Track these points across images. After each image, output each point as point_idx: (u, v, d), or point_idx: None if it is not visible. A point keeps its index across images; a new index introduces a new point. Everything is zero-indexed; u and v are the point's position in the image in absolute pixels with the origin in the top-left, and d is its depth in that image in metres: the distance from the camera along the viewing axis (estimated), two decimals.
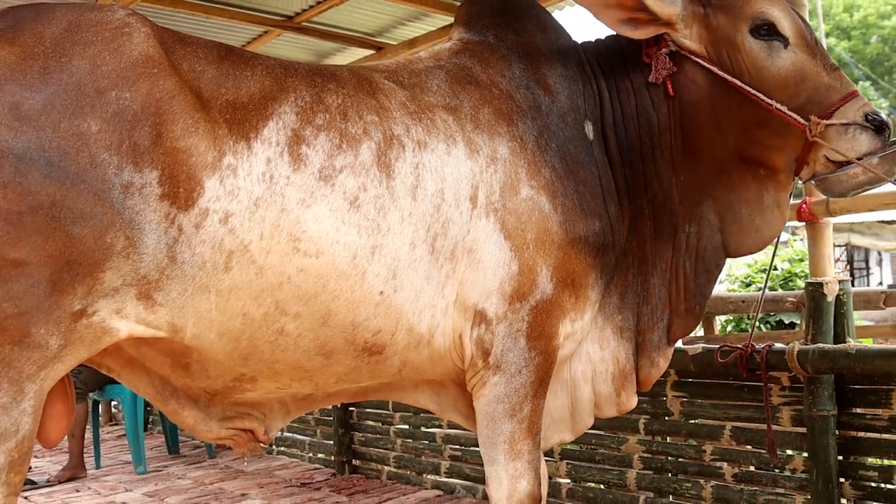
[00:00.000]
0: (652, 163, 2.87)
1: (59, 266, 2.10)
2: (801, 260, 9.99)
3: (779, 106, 2.67)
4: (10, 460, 2.11)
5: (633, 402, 3.02)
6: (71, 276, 2.12)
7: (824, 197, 4.52)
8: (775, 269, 9.66)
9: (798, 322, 8.36)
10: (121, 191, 2.15)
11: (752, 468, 4.08)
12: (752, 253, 3.02)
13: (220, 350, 2.41)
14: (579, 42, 3.04)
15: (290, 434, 7.40)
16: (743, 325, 9.11)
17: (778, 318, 8.77)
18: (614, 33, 2.86)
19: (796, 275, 9.94)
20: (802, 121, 2.66)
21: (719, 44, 2.76)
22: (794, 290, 9.46)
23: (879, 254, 19.46)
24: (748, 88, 2.70)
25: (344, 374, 2.61)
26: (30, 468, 6.93)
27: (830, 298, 3.75)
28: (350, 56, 7.73)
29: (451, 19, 6.78)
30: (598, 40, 3.06)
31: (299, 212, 2.33)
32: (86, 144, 2.12)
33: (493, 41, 2.91)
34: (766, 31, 2.72)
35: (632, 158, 2.87)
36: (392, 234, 2.45)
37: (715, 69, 2.74)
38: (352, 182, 2.41)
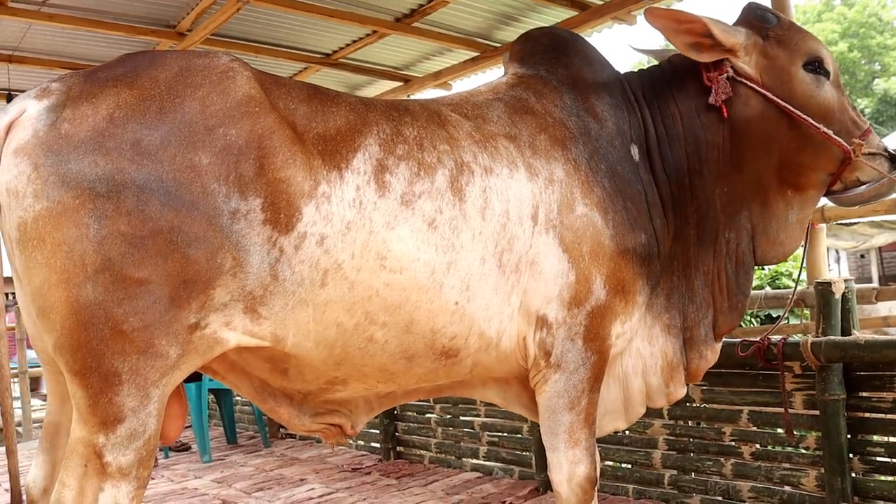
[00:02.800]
0: (698, 177, 2.91)
1: (177, 284, 2.14)
2: (785, 262, 10.01)
3: (826, 129, 2.78)
4: (139, 457, 2.15)
5: (681, 391, 3.04)
6: (187, 293, 2.16)
7: (820, 205, 4.56)
8: (762, 268, 9.70)
9: (787, 317, 8.39)
10: (229, 217, 2.19)
11: (768, 447, 4.10)
12: (774, 263, 3.06)
13: (317, 357, 2.44)
14: (623, 73, 3.08)
15: None
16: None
17: (766, 313, 8.79)
18: (657, 64, 2.92)
19: (782, 274, 9.96)
20: (847, 145, 2.79)
21: (775, 72, 2.83)
22: (780, 288, 9.49)
23: (837, 252, 19.57)
24: (799, 113, 2.78)
25: (423, 375, 2.65)
26: None
27: (838, 296, 3.78)
28: (380, 87, 7.79)
29: (471, 53, 6.85)
30: (640, 71, 3.10)
31: (385, 233, 2.37)
32: (198, 176, 2.16)
33: (545, 74, 2.94)
34: (816, 66, 2.83)
35: (678, 175, 2.90)
36: (465, 251, 2.48)
37: (771, 95, 2.80)
38: (429, 206, 2.44)
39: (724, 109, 2.83)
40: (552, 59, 2.99)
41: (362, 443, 6.99)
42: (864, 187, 2.88)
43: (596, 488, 2.75)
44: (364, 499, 5.26)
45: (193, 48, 6.15)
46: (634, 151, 2.86)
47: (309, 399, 2.72)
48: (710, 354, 3.03)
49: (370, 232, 2.35)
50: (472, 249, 2.50)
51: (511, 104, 2.82)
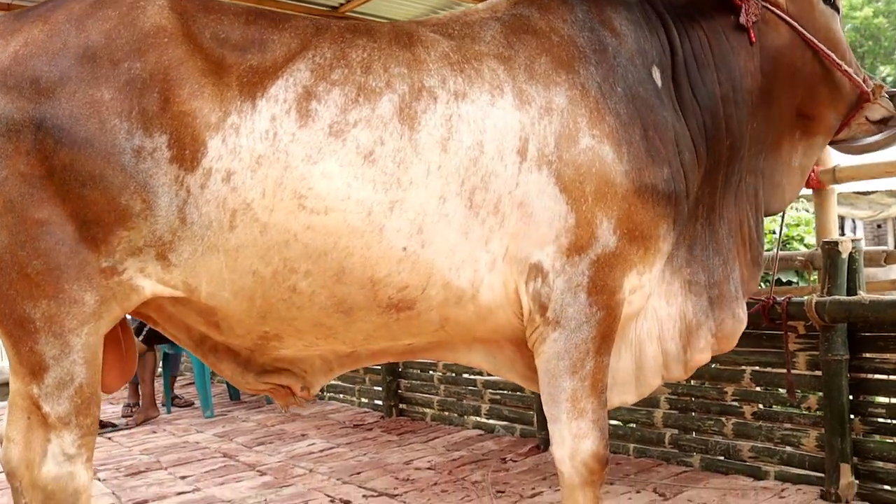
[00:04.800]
0: (733, 107, 2.67)
1: (78, 225, 2.11)
2: (797, 225, 10.01)
3: (846, 67, 2.68)
4: (74, 406, 2.15)
5: (702, 358, 2.78)
6: (92, 235, 2.13)
7: (831, 166, 4.54)
8: (773, 232, 9.67)
9: (794, 280, 8.39)
10: (133, 155, 2.12)
11: (769, 407, 4.14)
12: (772, 213, 2.94)
13: (238, 309, 2.31)
14: None
15: (340, 382, 7.48)
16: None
17: (776, 277, 8.78)
18: None
19: (793, 238, 9.95)
20: (865, 86, 2.69)
21: (800, 2, 2.73)
22: (790, 251, 9.47)
23: (854, 221, 19.48)
24: (824, 48, 2.68)
25: (373, 331, 2.44)
26: (108, 423, 7.03)
27: (844, 255, 3.78)
28: None
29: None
30: None
31: (305, 168, 2.18)
32: (97, 112, 2.10)
33: None
34: (832, 1, 2.73)
35: (711, 103, 2.64)
36: (415, 189, 2.23)
37: (797, 25, 2.69)
38: (366, 136, 2.21)
39: (753, 34, 2.67)
40: None
41: (365, 400, 7.05)
42: (879, 136, 2.80)
43: (605, 468, 2.50)
44: (364, 453, 5.32)
45: None
46: (657, 75, 2.57)
47: (256, 356, 2.58)
48: (743, 314, 2.81)
49: (286, 167, 2.17)
50: (427, 186, 2.24)
51: (510, 23, 2.53)
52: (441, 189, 2.26)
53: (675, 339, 2.72)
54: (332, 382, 7.59)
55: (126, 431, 6.78)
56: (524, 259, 2.37)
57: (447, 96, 2.31)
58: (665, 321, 2.70)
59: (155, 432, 6.66)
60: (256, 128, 2.18)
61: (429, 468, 4.82)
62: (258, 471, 5.03)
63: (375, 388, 6.87)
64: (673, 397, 4.51)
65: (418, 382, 6.41)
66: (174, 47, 2.18)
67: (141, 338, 6.96)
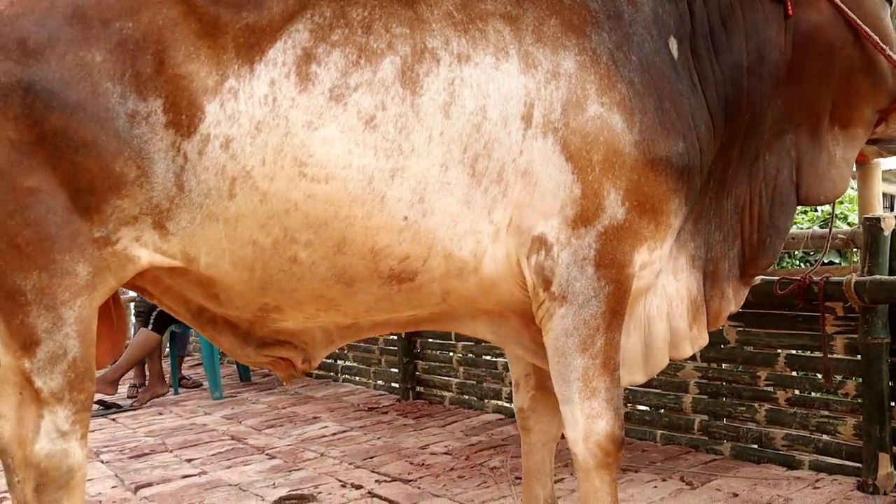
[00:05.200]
0: (757, 80, 2.64)
1: (70, 194, 2.11)
2: (840, 202, 9.90)
3: (890, 53, 2.62)
4: (68, 380, 2.16)
5: (705, 337, 2.81)
6: (85, 204, 2.12)
7: None
8: (814, 209, 9.59)
9: (836, 261, 8.32)
10: (127, 120, 2.11)
11: (805, 393, 4.12)
12: (818, 203, 2.88)
13: (238, 280, 2.33)
14: None
15: (354, 363, 7.52)
16: (783, 263, 9.06)
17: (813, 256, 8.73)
18: None
19: (836, 216, 9.86)
20: None
21: None
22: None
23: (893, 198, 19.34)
24: (870, 31, 2.63)
25: (374, 302, 2.45)
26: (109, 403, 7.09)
27: (887, 233, 3.74)
28: None
29: None
30: None
31: (305, 135, 2.18)
32: (89, 74, 2.08)
33: None
34: None
35: (735, 74, 2.62)
36: (417, 156, 2.24)
37: (841, 3, 2.64)
38: (368, 100, 2.21)
39: (790, 6, 2.63)
40: None
41: (381, 382, 7.10)
42: None
43: (621, 450, 2.50)
44: (378, 437, 5.36)
45: None
46: (674, 46, 2.56)
47: (256, 328, 2.59)
48: (734, 296, 2.81)
49: (286, 133, 2.17)
50: (429, 154, 2.25)
51: None
52: (443, 156, 2.26)
53: (682, 315, 2.73)
54: (347, 364, 7.64)
55: (131, 413, 6.87)
56: (527, 231, 2.38)
57: (450, 59, 2.30)
58: (673, 298, 2.71)
59: (161, 414, 6.74)
60: (255, 92, 2.17)
61: (445, 453, 4.85)
62: (267, 454, 5.09)
63: (391, 369, 6.92)
64: (703, 382, 4.50)
65: (436, 364, 6.43)
66: (168, 6, 2.17)
67: (151, 325, 7.04)
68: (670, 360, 2.79)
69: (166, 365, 8.10)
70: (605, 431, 2.43)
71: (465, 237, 2.33)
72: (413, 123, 2.24)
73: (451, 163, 2.27)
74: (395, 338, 6.70)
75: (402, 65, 2.25)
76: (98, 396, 6.85)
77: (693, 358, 4.50)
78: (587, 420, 2.44)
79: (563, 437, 4.36)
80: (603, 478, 2.47)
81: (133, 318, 8.19)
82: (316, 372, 8.11)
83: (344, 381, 7.61)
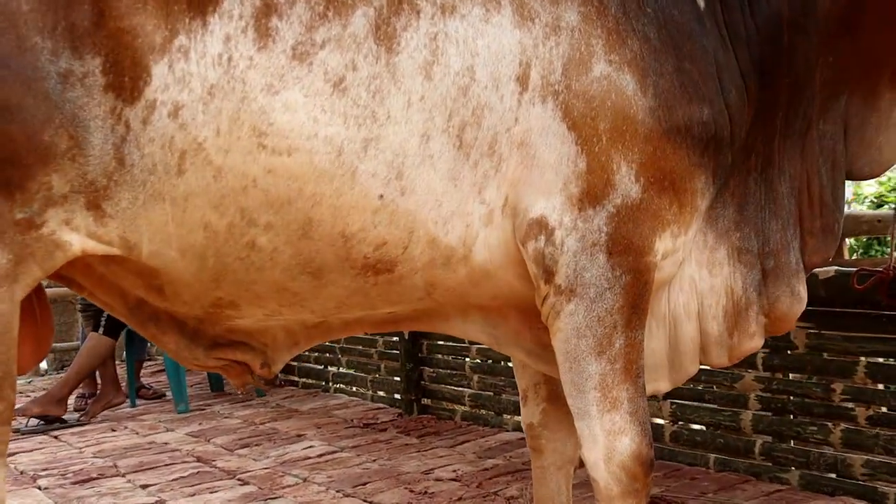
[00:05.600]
0: (802, 36, 2.64)
1: None
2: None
3: None
4: None
5: (751, 345, 2.81)
6: (4, 179, 2.15)
7: None
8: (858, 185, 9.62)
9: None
10: (59, 80, 2.14)
11: (890, 410, 4.12)
12: (862, 178, 2.93)
13: (186, 270, 2.36)
14: None
15: (348, 370, 7.57)
16: (872, 251, 9.07)
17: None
18: None
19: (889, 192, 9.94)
20: None
21: None
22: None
23: None
24: None
25: (346, 297, 2.50)
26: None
27: None
28: None
29: None
30: None
31: (264, 100, 2.21)
32: (13, 26, 2.10)
33: None
34: None
35: (772, 29, 2.61)
36: (393, 124, 2.27)
37: None
38: (336, 59, 2.24)
39: None
40: None
41: (382, 393, 7.16)
42: None
43: (651, 474, 2.49)
44: (374, 459, 5.42)
45: None
46: None
47: (206, 326, 2.63)
48: (804, 292, 2.78)
49: (242, 99, 2.20)
50: (407, 122, 2.28)
51: None
52: (424, 125, 2.29)
53: (717, 317, 2.73)
54: (340, 371, 7.69)
55: (78, 429, 6.94)
56: (525, 213, 2.40)
57: (432, 10, 2.31)
58: (706, 295, 2.71)
59: (114, 430, 6.82)
60: (208, 51, 2.20)
61: (453, 479, 4.89)
62: (239, 479, 5.15)
63: (393, 378, 6.96)
64: (766, 395, 4.52)
65: (446, 372, 6.49)
66: None
67: (102, 328, 7.08)
68: (703, 366, 2.82)
69: (122, 371, 8.17)
70: (630, 451, 2.43)
71: (452, 220, 2.36)
72: (389, 86, 2.26)
73: (434, 132, 2.30)
74: (397, 338, 6.74)
75: (377, 17, 2.27)
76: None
77: (753, 366, 4.52)
78: (608, 437, 2.44)
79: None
80: None
81: (80, 319, 8.26)
82: (303, 380, 8.18)
83: (336, 391, 7.66)
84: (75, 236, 2.25)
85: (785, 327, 2.83)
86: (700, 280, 2.69)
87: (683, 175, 2.44)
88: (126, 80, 2.16)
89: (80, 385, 7.68)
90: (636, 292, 2.44)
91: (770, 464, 4.49)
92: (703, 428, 4.82)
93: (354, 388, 7.50)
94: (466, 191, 2.35)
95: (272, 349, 2.72)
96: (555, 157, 2.36)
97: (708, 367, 4.66)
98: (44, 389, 8.54)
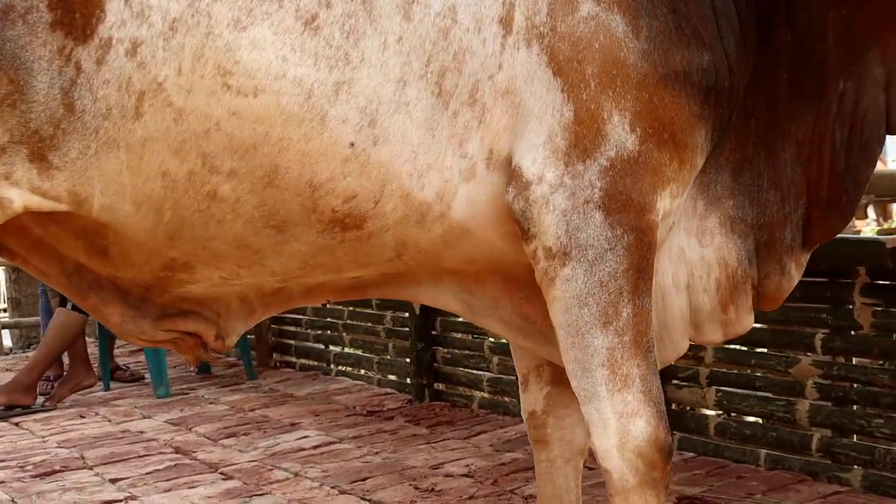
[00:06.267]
0: None
1: None
2: None
3: None
4: None
5: (746, 322, 2.86)
6: None
7: None
8: None
9: None
10: None
11: None
12: None
13: (140, 226, 2.42)
14: None
15: (352, 350, 7.59)
16: None
17: None
18: None
19: None
20: None
21: None
22: None
23: None
24: None
25: (310, 256, 2.56)
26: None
27: None
28: None
29: None
30: None
31: (230, 36, 2.28)
32: None
33: None
34: None
35: None
36: (368, 67, 2.34)
37: None
38: None
39: None
40: None
41: (393, 377, 7.18)
42: None
43: (670, 462, 2.52)
44: (376, 452, 5.45)
45: None
46: None
47: (154, 294, 2.69)
48: (795, 270, 2.87)
49: (207, 34, 2.27)
50: (383, 65, 2.36)
51: None
52: (400, 69, 2.35)
53: (709, 290, 2.78)
54: (343, 352, 7.71)
55: (43, 415, 6.98)
56: (509, 167, 2.46)
57: None
58: (697, 266, 2.77)
59: (83, 417, 6.87)
60: None
61: (465, 475, 4.92)
62: (222, 473, 5.20)
63: (402, 359, 6.96)
64: (825, 382, 4.50)
65: (461, 353, 6.52)
66: None
67: (70, 304, 7.10)
68: (716, 355, 2.82)
69: (94, 350, 8.20)
70: (646, 434, 2.46)
71: (429, 173, 2.43)
72: (364, 26, 2.33)
73: (411, 78, 2.36)
74: (407, 314, 6.77)
75: None
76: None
77: (811, 348, 4.50)
78: (621, 421, 2.46)
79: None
80: (649, 500, 2.50)
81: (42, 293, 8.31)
82: (300, 361, 8.23)
83: (338, 374, 7.69)
84: (16, 192, 2.29)
85: (771, 306, 2.89)
86: (689, 249, 2.77)
87: (684, 127, 2.49)
88: (77, 16, 2.20)
89: None
90: (641, 254, 2.47)
91: (829, 461, 4.47)
92: (753, 419, 4.81)
93: (358, 371, 7.54)
94: (445, 142, 2.41)
95: (225, 319, 2.79)
96: (540, 107, 2.42)
97: (760, 350, 4.69)
98: (7, 370, 8.63)
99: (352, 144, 2.36)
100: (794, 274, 2.86)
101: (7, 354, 10.20)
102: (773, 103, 2.75)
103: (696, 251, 2.76)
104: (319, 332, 7.97)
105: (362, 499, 4.60)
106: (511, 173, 2.44)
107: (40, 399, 7.33)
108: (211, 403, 7.07)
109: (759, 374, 4.74)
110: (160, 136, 2.29)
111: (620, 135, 2.42)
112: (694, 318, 2.82)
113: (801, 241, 2.85)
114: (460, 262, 2.67)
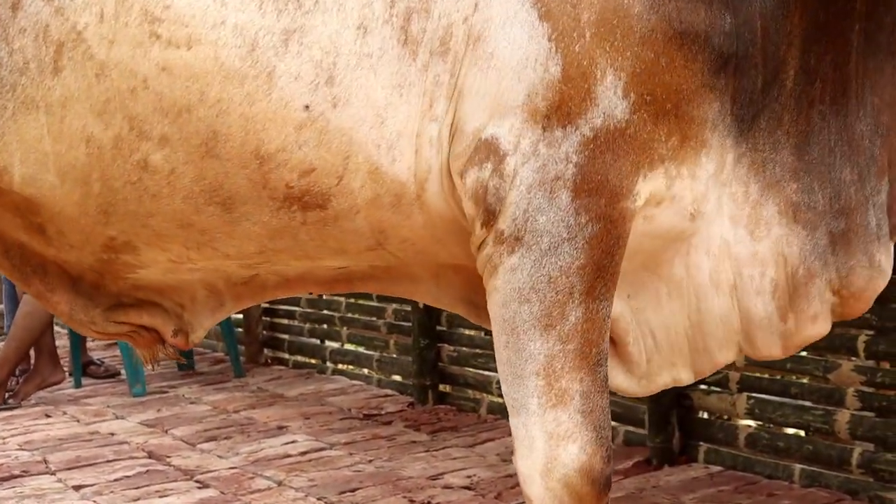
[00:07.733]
0: None
1: None
2: None
3: None
4: None
5: (814, 330, 2.66)
6: None
7: None
8: None
9: None
10: None
11: None
12: None
13: (68, 200, 2.38)
14: None
15: (350, 346, 7.58)
16: None
17: None
18: None
19: None
20: None
21: None
22: None
23: None
24: None
25: (268, 238, 2.47)
26: None
27: None
28: None
29: None
30: None
31: None
32: None
33: None
34: None
35: None
36: (322, 12, 2.26)
37: None
38: None
39: None
40: None
41: (397, 378, 7.20)
42: None
43: (606, 495, 2.39)
44: (370, 460, 5.46)
45: None
46: None
47: (106, 281, 2.66)
48: (887, 262, 2.64)
49: None
50: (340, 8, 2.25)
51: None
52: (360, 13, 2.26)
53: (763, 293, 2.58)
54: (341, 349, 7.70)
55: (4, 413, 6.99)
56: (471, 133, 2.30)
57: None
58: (746, 263, 2.57)
59: (49, 416, 6.88)
60: None
61: (466, 487, 4.92)
62: (197, 481, 5.20)
63: (404, 357, 6.95)
64: (868, 390, 4.48)
65: (469, 351, 6.50)
66: None
67: None
68: (747, 358, 2.72)
69: (63, 342, 8.22)
70: (578, 463, 2.32)
71: (399, 143, 2.31)
72: None
73: (373, 23, 2.26)
74: (410, 309, 6.76)
75: None
76: None
77: (853, 352, 4.48)
78: (549, 443, 2.32)
79: (646, 464, 4.42)
80: None
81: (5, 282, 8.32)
82: (293, 358, 8.24)
83: (334, 373, 7.68)
84: None
85: (860, 308, 2.69)
86: (736, 243, 2.56)
87: (691, 98, 2.32)
88: None
89: None
90: (604, 249, 2.31)
91: (871, 479, 4.45)
92: (788, 431, 4.79)
93: (356, 369, 7.54)
94: (415, 103, 2.30)
95: (190, 311, 2.74)
96: (517, 58, 2.26)
97: (797, 353, 4.66)
98: None
99: (306, 107, 2.28)
100: (886, 266, 2.64)
101: None
102: (843, 62, 2.55)
103: (747, 245, 2.56)
104: (315, 325, 7.98)
105: None
106: (479, 144, 2.29)
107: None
108: (192, 403, 7.08)
109: (794, 380, 4.73)
110: (81, 95, 2.26)
111: (611, 100, 2.25)
112: (745, 326, 2.63)
113: (889, 226, 2.65)
114: (461, 257, 2.54)
